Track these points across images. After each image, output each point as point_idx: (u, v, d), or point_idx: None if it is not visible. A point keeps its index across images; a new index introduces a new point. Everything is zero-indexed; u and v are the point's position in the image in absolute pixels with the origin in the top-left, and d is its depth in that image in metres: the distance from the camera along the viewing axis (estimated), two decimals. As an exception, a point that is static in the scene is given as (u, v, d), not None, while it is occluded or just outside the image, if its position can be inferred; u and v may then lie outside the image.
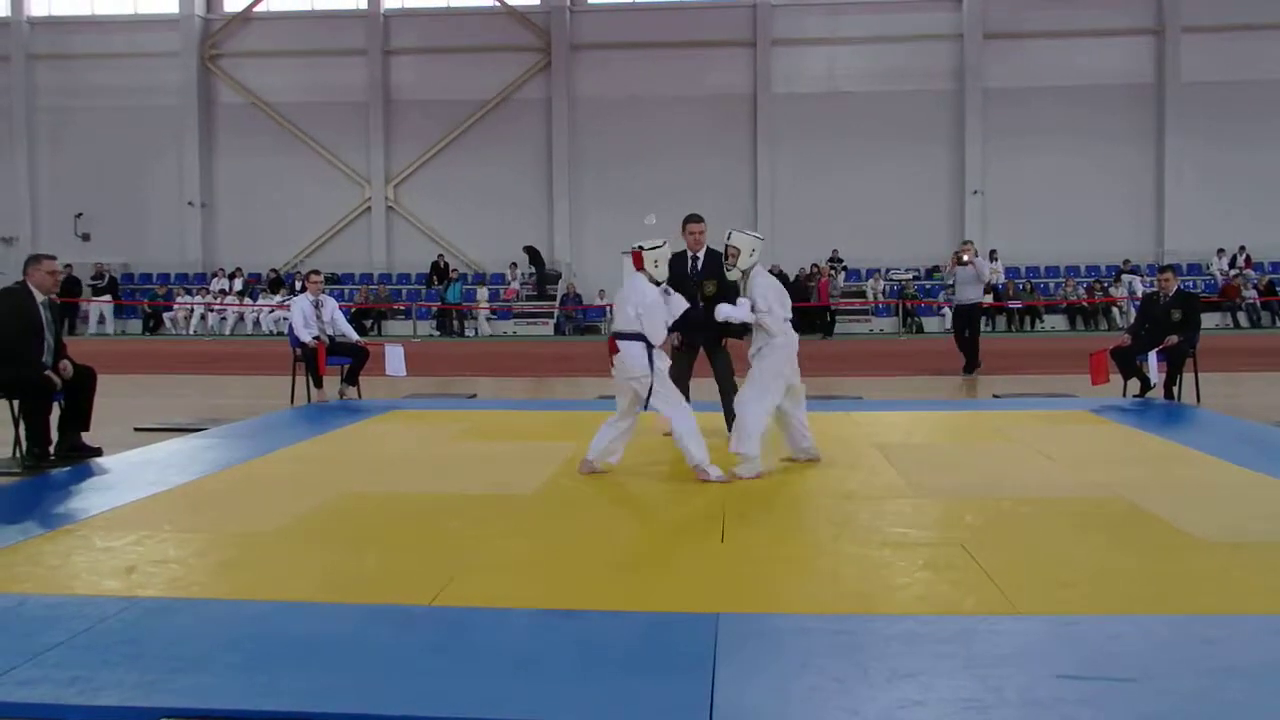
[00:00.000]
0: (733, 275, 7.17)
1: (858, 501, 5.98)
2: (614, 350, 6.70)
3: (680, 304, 6.97)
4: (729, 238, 7.01)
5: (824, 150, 29.18)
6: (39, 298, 7.56)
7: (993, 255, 25.58)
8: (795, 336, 6.99)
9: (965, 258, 14.10)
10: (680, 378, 8.27)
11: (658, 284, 6.78)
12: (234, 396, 13.35)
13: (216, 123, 31.40)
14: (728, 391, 8.16)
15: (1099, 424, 9.13)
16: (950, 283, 14.74)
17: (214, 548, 5.03)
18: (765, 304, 6.81)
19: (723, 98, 29.72)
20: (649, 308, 6.61)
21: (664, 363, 6.76)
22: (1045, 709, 3.07)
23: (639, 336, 6.60)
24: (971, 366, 14.05)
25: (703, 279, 7.96)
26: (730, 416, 8.28)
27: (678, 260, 8.13)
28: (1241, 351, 18.02)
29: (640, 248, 6.76)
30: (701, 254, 8.10)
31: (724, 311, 6.97)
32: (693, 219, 8.12)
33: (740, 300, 6.95)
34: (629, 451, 7.21)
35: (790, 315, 7.00)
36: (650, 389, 6.55)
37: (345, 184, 31.03)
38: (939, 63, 29.45)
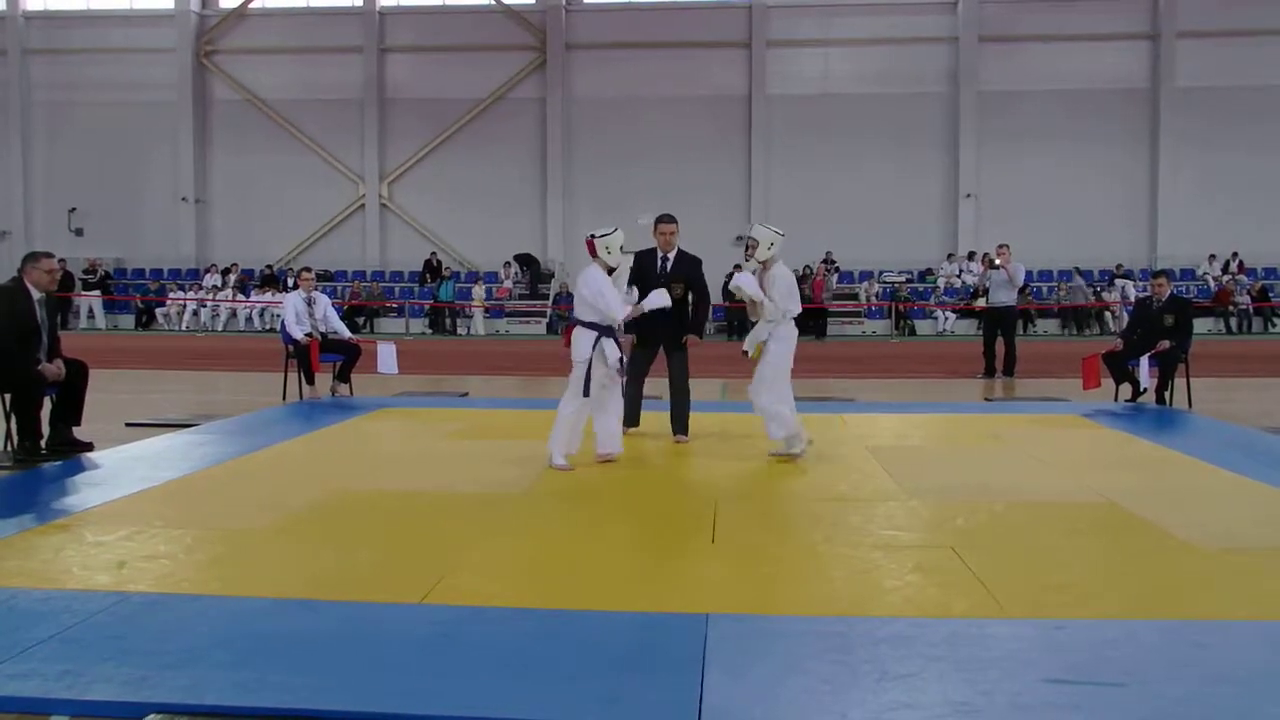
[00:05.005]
0: (749, 266, 7.35)
1: (849, 503, 5.98)
2: (568, 339, 7.08)
3: (659, 299, 7.20)
4: (751, 229, 7.35)
5: (818, 152, 29.20)
6: (35, 295, 7.52)
7: (985, 258, 25.58)
8: (795, 331, 7.38)
9: (998, 261, 14.12)
10: (637, 375, 8.31)
11: (611, 270, 7.01)
12: (226, 392, 13.34)
13: (211, 119, 31.36)
14: (680, 391, 8.29)
15: (1091, 428, 9.15)
16: (985, 286, 14.77)
17: (204, 544, 5.02)
18: (777, 292, 7.18)
19: (717, 99, 29.73)
20: (597, 292, 6.86)
21: (612, 351, 6.90)
22: (1034, 713, 3.08)
23: (591, 325, 6.90)
24: (1010, 369, 13.99)
25: (671, 279, 7.94)
26: (677, 414, 8.33)
27: (647, 259, 8.17)
28: (1233, 357, 18.09)
29: (593, 235, 7.04)
30: (672, 255, 8.11)
31: (738, 279, 7.33)
32: (663, 219, 8.12)
33: (745, 276, 7.28)
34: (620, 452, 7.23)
35: (798, 311, 7.36)
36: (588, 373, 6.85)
37: (339, 181, 30.99)
38: (934, 65, 29.49)
